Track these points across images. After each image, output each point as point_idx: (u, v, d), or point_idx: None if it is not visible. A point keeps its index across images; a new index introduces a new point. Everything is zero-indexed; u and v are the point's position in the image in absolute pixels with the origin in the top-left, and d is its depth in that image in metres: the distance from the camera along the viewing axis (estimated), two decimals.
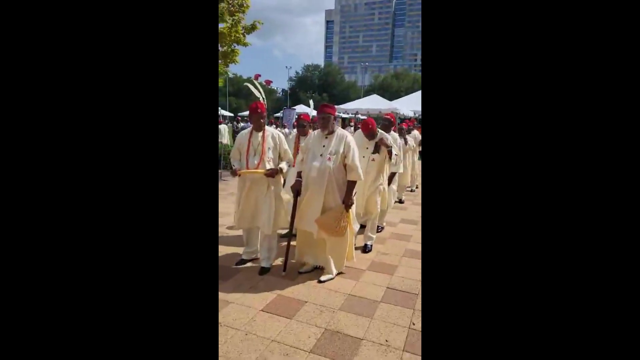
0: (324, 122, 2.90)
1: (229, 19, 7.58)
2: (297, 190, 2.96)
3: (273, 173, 2.97)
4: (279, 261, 3.20)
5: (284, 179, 3.46)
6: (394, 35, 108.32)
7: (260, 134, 3.06)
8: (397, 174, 4.12)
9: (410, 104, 14.74)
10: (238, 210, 3.09)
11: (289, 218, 3.07)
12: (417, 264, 3.37)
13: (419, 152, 7.20)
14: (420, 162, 7.10)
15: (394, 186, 4.20)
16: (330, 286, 2.85)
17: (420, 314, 2.46)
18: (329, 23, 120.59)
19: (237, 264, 3.18)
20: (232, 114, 24.42)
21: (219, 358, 1.90)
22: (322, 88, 46.58)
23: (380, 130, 3.67)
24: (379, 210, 3.69)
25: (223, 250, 3.50)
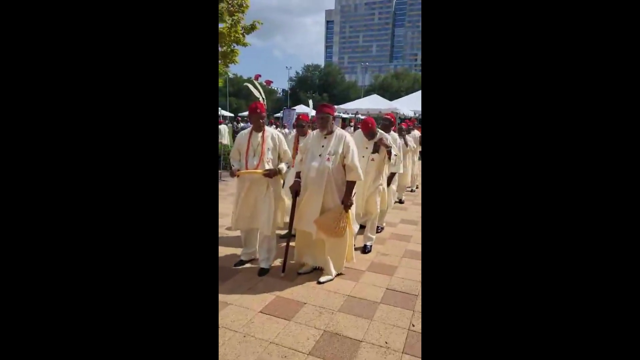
0: (323, 122, 2.89)
1: (229, 19, 7.57)
2: (295, 191, 2.94)
3: (272, 173, 2.96)
4: (278, 262, 3.18)
5: (283, 179, 3.45)
6: (394, 35, 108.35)
7: (260, 134, 3.05)
8: (396, 174, 4.10)
9: (411, 104, 14.74)
10: (236, 210, 3.08)
11: (285, 219, 3.05)
12: (417, 264, 3.35)
13: (419, 152, 7.18)
14: (420, 162, 7.09)
15: (393, 186, 4.18)
16: (330, 287, 2.83)
17: (420, 316, 2.44)
18: (329, 23, 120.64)
19: (235, 265, 3.16)
20: (232, 114, 24.44)
21: None
22: (322, 88, 46.60)
23: (379, 130, 3.65)
24: (379, 210, 3.67)
25: (222, 251, 3.49)
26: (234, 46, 8.05)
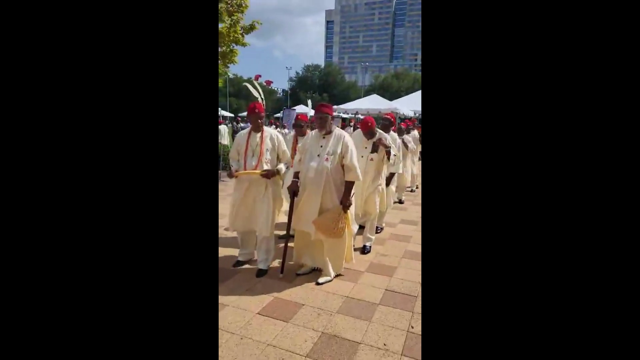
0: (321, 122, 2.86)
1: (228, 19, 7.55)
2: (293, 191, 2.92)
3: (270, 174, 2.94)
4: (276, 263, 3.16)
5: (282, 180, 3.42)
6: (394, 35, 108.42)
7: (259, 134, 3.03)
8: (395, 174, 4.08)
9: (411, 104, 14.75)
10: (233, 211, 3.06)
11: (283, 220, 3.03)
12: (417, 265, 3.33)
13: (419, 152, 7.16)
14: (420, 162, 7.07)
15: (392, 187, 4.15)
16: (328, 288, 2.81)
17: (419, 317, 2.42)
18: (329, 23, 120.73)
19: (234, 266, 3.14)
20: (232, 115, 24.45)
21: None
22: (322, 88, 46.62)
23: (379, 130, 3.63)
24: (378, 210, 3.65)
25: (220, 251, 3.46)
26: (233, 46, 8.02)
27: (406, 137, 5.92)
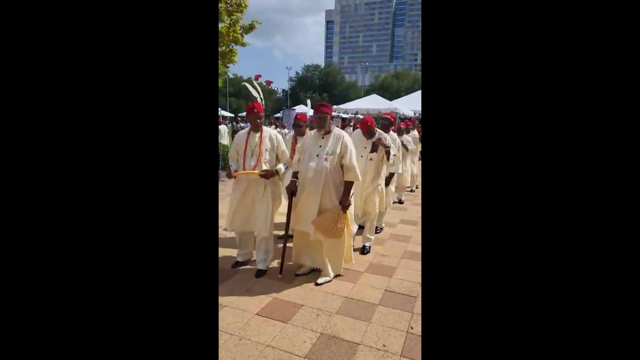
0: (320, 122, 2.85)
1: (227, 19, 7.55)
2: (291, 191, 2.91)
3: (268, 175, 2.92)
4: (276, 263, 3.15)
5: (281, 180, 3.41)
6: (394, 35, 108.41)
7: (258, 134, 3.02)
8: (395, 174, 4.06)
9: (411, 104, 14.75)
10: (231, 211, 3.04)
11: (282, 220, 3.02)
12: (416, 265, 3.32)
13: (419, 152, 7.15)
14: (420, 162, 7.05)
15: (392, 187, 4.14)
16: (327, 289, 2.80)
17: (419, 318, 2.41)
18: (329, 23, 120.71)
19: (233, 267, 3.13)
20: (232, 115, 24.45)
21: None
22: (322, 88, 46.63)
23: (378, 130, 3.61)
24: (377, 211, 3.63)
25: (219, 252, 3.45)
26: (233, 46, 8.02)
27: (406, 137, 5.90)
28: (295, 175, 2.96)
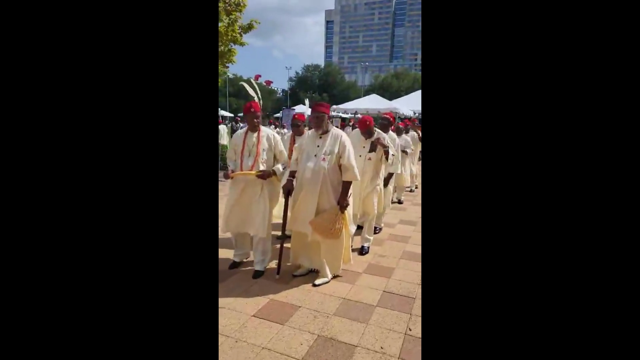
0: (318, 122, 2.83)
1: (226, 18, 7.53)
2: (288, 190, 2.88)
3: (265, 175, 2.90)
4: (273, 264, 3.13)
5: (279, 181, 3.39)
6: (394, 35, 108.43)
7: (255, 134, 2.99)
8: (394, 175, 4.04)
9: (410, 104, 14.74)
10: (227, 211, 3.01)
11: (279, 221, 2.99)
12: (415, 266, 3.30)
13: (419, 152, 7.12)
14: (419, 162, 7.03)
15: (390, 187, 4.12)
16: (325, 290, 2.77)
17: (417, 320, 2.38)
18: (329, 23, 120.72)
19: (230, 267, 3.11)
20: (232, 115, 24.44)
21: None
22: (322, 88, 46.60)
23: (377, 130, 3.59)
24: (376, 211, 3.61)
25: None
26: (232, 46, 8.00)
27: (405, 137, 5.86)
28: (292, 174, 2.94)
